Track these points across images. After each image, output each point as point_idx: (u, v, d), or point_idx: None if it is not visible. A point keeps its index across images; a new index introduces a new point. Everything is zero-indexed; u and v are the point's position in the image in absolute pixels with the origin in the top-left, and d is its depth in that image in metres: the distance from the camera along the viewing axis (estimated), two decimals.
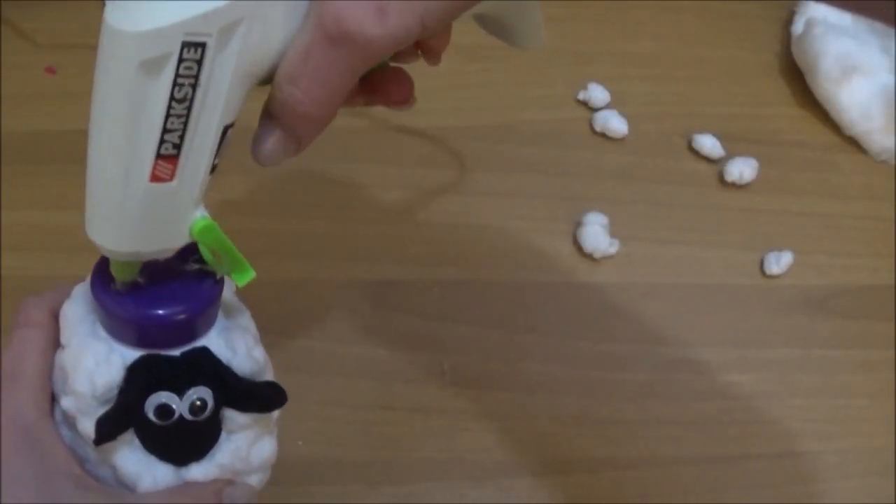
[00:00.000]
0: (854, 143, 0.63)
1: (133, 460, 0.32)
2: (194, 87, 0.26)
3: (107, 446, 0.31)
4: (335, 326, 0.51)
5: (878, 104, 0.61)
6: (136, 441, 0.32)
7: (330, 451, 0.47)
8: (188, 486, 0.33)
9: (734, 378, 0.52)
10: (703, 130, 0.62)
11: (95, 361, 0.31)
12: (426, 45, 0.35)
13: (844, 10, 0.62)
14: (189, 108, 0.26)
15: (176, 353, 0.31)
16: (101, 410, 0.31)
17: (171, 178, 0.27)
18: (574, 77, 0.63)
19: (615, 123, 0.60)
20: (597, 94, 0.62)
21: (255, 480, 0.35)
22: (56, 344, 0.33)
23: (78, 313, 0.33)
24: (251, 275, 0.31)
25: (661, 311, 0.54)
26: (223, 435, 0.33)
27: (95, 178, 0.28)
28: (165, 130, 0.26)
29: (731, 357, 0.52)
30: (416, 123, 0.60)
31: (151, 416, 0.31)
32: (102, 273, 0.31)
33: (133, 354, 0.31)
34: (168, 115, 0.26)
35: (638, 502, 0.48)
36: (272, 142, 0.29)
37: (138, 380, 0.31)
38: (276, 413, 0.35)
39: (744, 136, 0.63)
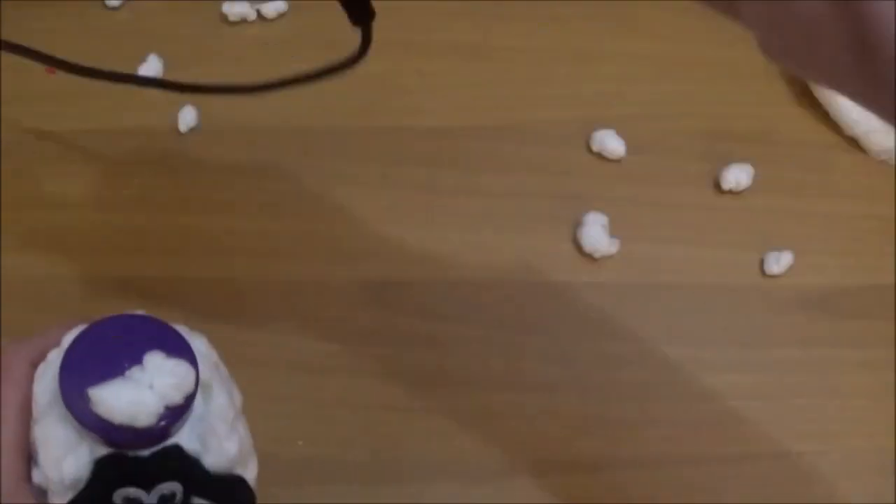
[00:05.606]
0: (854, 143, 0.63)
1: None
2: None
3: None
4: (335, 326, 0.51)
5: None
6: None
7: (330, 451, 0.47)
8: None
9: (734, 378, 0.52)
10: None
11: (64, 450, 0.31)
12: None
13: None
14: None
15: (146, 453, 0.31)
16: (70, 493, 0.31)
17: None
18: (574, 77, 0.63)
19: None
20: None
21: None
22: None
23: (51, 390, 0.32)
24: None
25: (661, 311, 0.54)
26: None
27: None
28: None
29: (731, 357, 0.52)
30: (416, 123, 0.60)
31: None
32: (71, 370, 0.31)
33: (101, 449, 0.31)
34: None
35: (639, 503, 0.48)
36: None
37: (105, 477, 0.31)
38: None
39: (743, 136, 0.62)
